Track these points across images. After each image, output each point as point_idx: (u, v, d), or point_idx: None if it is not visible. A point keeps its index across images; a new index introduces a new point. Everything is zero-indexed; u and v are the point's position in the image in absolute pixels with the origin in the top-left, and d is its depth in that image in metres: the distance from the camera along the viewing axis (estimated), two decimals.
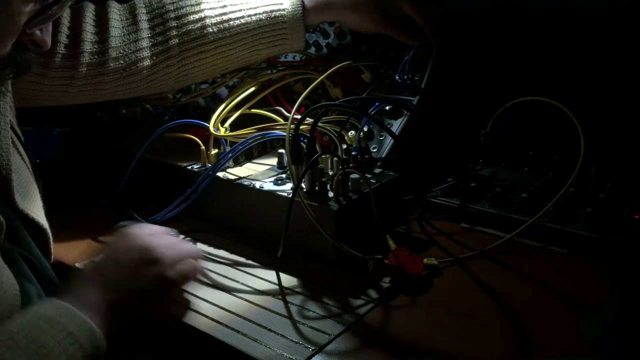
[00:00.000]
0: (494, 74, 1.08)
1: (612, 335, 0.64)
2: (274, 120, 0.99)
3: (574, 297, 0.73)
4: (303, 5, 1.00)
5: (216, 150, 0.94)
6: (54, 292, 0.69)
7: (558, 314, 0.70)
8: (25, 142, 0.82)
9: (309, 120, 0.86)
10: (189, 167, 0.95)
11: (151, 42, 0.96)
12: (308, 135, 0.83)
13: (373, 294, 0.75)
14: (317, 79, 1.02)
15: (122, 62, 0.94)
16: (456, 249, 0.84)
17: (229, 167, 0.94)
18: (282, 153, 0.92)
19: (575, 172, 0.81)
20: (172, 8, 0.97)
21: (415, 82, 1.03)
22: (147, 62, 0.96)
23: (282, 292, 0.77)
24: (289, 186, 0.86)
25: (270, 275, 0.80)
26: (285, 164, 0.90)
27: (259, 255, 0.85)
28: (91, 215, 0.99)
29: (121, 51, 0.94)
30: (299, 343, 0.67)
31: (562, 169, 0.90)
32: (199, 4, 0.98)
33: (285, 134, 0.83)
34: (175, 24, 0.96)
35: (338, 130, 0.93)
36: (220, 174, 0.91)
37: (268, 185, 0.87)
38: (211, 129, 0.93)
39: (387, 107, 1.00)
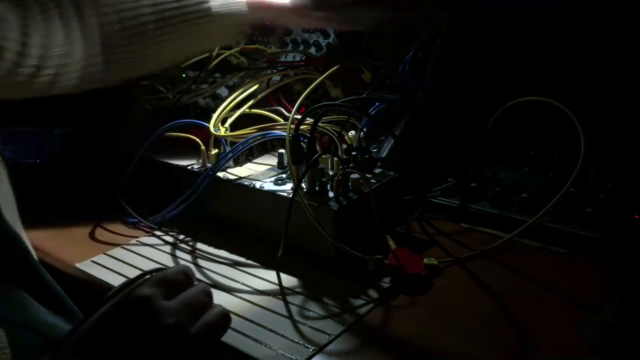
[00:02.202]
0: (494, 74, 1.08)
1: (612, 335, 0.64)
2: (274, 120, 0.99)
3: (574, 297, 0.73)
4: None
5: (216, 150, 0.94)
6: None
7: (558, 314, 0.70)
8: (25, 142, 0.82)
9: (309, 120, 0.86)
10: (189, 167, 0.95)
11: None
12: (308, 135, 0.83)
13: (373, 294, 0.75)
14: (317, 79, 1.02)
15: None
16: (456, 249, 0.84)
17: (229, 167, 0.94)
18: (282, 153, 0.92)
19: (575, 172, 0.81)
20: None
21: (415, 82, 1.03)
22: None
23: (282, 292, 0.77)
24: (289, 186, 0.86)
25: (270, 275, 0.80)
26: (286, 164, 0.90)
27: (259, 255, 0.85)
28: (91, 215, 0.99)
29: None
30: (299, 343, 0.67)
31: (562, 169, 0.90)
32: None
33: (285, 134, 0.83)
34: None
35: (338, 130, 0.93)
36: (220, 174, 0.91)
37: (268, 185, 0.87)
38: (211, 128, 0.93)
39: (386, 107, 1.00)
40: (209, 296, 0.61)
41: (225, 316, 0.59)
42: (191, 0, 0.84)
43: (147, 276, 0.59)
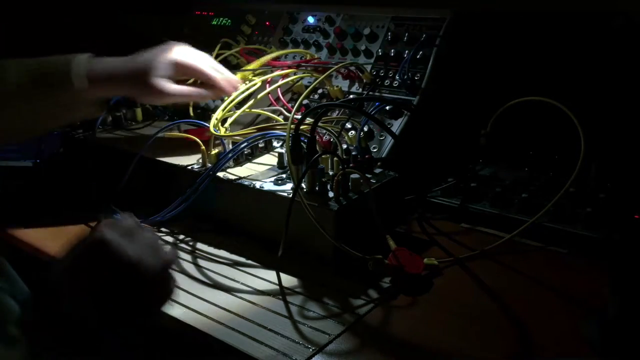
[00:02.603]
0: (494, 74, 1.08)
1: (612, 335, 0.64)
2: (274, 120, 0.99)
3: (574, 297, 0.73)
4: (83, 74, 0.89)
5: (216, 150, 0.94)
6: None
7: (558, 314, 0.70)
8: (25, 142, 0.82)
9: (309, 120, 0.86)
10: (189, 167, 0.95)
11: None
12: (308, 135, 0.83)
13: (373, 294, 0.75)
14: (317, 79, 1.02)
15: None
16: (456, 249, 0.84)
17: (229, 167, 0.94)
18: (282, 153, 0.92)
19: (575, 172, 0.81)
20: None
21: (415, 82, 1.03)
22: None
23: (282, 292, 0.77)
24: (289, 186, 0.86)
25: (270, 275, 0.80)
26: (285, 164, 0.90)
27: (259, 255, 0.85)
28: (91, 215, 0.99)
29: None
30: (299, 343, 0.67)
31: (562, 169, 0.90)
32: None
33: (285, 133, 0.83)
34: None
35: (338, 130, 0.93)
36: (220, 174, 0.91)
37: (268, 185, 0.87)
38: (211, 128, 0.93)
39: (387, 107, 1.00)
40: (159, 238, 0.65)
41: (176, 253, 0.67)
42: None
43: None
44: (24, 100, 0.89)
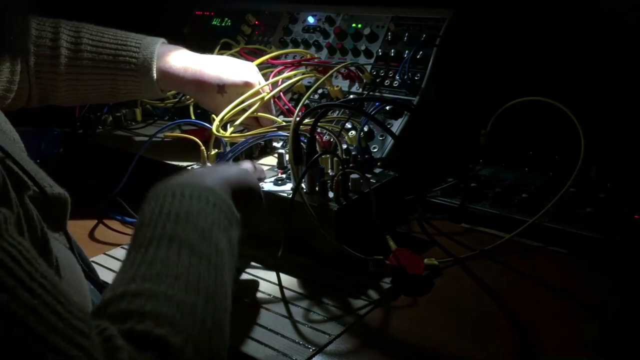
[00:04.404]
0: (494, 74, 1.08)
1: (612, 335, 0.64)
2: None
3: (574, 297, 0.73)
4: (156, 64, 0.98)
5: (216, 150, 0.93)
6: None
7: (558, 314, 0.70)
8: (25, 142, 0.82)
9: (309, 120, 0.86)
10: (189, 167, 0.95)
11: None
12: (308, 135, 0.83)
13: (373, 294, 0.75)
14: (317, 79, 1.02)
15: None
16: (456, 249, 0.84)
17: None
18: (282, 153, 0.92)
19: (576, 172, 0.81)
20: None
21: (415, 82, 1.03)
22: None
23: (282, 292, 0.77)
24: (289, 186, 0.86)
25: (270, 275, 0.80)
26: (285, 164, 0.90)
27: (259, 255, 0.84)
28: (91, 215, 0.99)
29: None
30: (299, 343, 0.67)
31: (562, 169, 0.90)
32: (57, 28, 0.98)
33: (285, 133, 0.83)
34: (33, 42, 0.96)
35: (338, 130, 0.93)
36: None
37: (268, 186, 0.87)
38: (213, 130, 0.93)
39: (387, 107, 1.00)
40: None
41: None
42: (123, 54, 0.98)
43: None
44: (92, 72, 0.98)
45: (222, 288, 0.54)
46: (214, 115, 0.98)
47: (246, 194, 0.69)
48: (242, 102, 0.97)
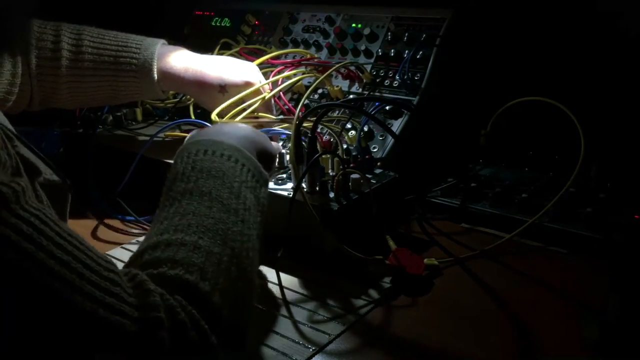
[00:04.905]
0: (494, 74, 1.08)
1: (612, 335, 0.64)
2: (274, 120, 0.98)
3: (574, 297, 0.73)
4: (156, 65, 0.98)
5: None
6: None
7: (558, 314, 0.70)
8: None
9: (309, 120, 0.86)
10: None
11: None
12: (309, 135, 0.83)
13: (374, 294, 0.75)
14: (317, 79, 1.02)
15: None
16: (456, 249, 0.84)
17: None
18: (282, 153, 0.92)
19: (576, 172, 0.81)
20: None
21: (415, 82, 1.03)
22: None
23: (282, 292, 0.77)
24: (289, 186, 0.86)
25: (270, 275, 0.80)
26: (286, 164, 0.90)
27: (259, 255, 0.84)
28: (91, 215, 0.99)
29: None
30: (299, 343, 0.67)
31: (562, 169, 0.90)
32: (58, 31, 0.98)
33: (286, 131, 0.83)
34: (34, 44, 0.96)
35: (338, 130, 0.93)
36: None
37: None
38: (213, 116, 0.92)
39: (387, 107, 1.00)
40: None
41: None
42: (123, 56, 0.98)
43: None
44: (93, 74, 0.98)
45: (248, 241, 0.58)
46: (214, 116, 0.98)
47: (263, 154, 0.72)
48: (242, 100, 0.97)
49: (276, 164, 0.82)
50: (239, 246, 0.56)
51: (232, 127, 0.75)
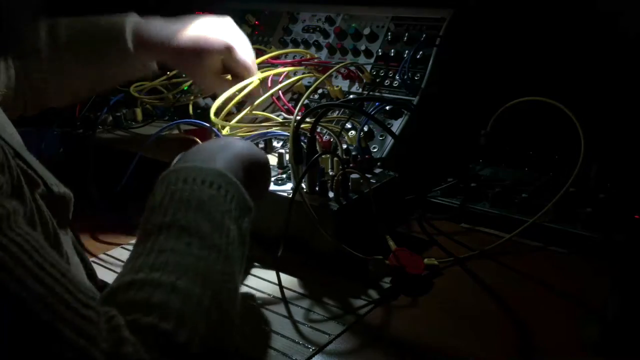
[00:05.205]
0: (494, 74, 1.08)
1: (612, 335, 0.64)
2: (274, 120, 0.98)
3: (574, 297, 0.73)
4: (136, 34, 0.98)
5: None
6: None
7: (558, 314, 0.70)
8: (25, 142, 0.82)
9: (309, 120, 0.86)
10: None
11: None
12: (308, 135, 0.83)
13: (373, 294, 0.75)
14: (317, 79, 1.02)
15: None
16: (456, 249, 0.84)
17: None
18: (282, 153, 0.92)
19: (575, 172, 0.81)
20: None
21: (415, 82, 1.03)
22: None
23: (282, 292, 0.77)
24: (289, 186, 0.86)
25: (270, 275, 0.80)
26: (286, 164, 0.90)
27: (259, 255, 0.84)
28: (91, 215, 0.99)
29: None
30: (299, 343, 0.67)
31: (562, 169, 0.90)
32: (36, 29, 0.97)
33: (285, 133, 0.83)
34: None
35: (338, 130, 0.93)
36: None
37: None
38: (211, 115, 0.92)
39: (387, 107, 1.00)
40: None
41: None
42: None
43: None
44: (74, 60, 0.97)
45: (230, 281, 0.54)
46: (213, 116, 0.97)
47: (257, 170, 0.69)
48: (235, 94, 0.97)
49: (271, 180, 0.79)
50: (219, 287, 0.52)
51: (221, 146, 0.68)
